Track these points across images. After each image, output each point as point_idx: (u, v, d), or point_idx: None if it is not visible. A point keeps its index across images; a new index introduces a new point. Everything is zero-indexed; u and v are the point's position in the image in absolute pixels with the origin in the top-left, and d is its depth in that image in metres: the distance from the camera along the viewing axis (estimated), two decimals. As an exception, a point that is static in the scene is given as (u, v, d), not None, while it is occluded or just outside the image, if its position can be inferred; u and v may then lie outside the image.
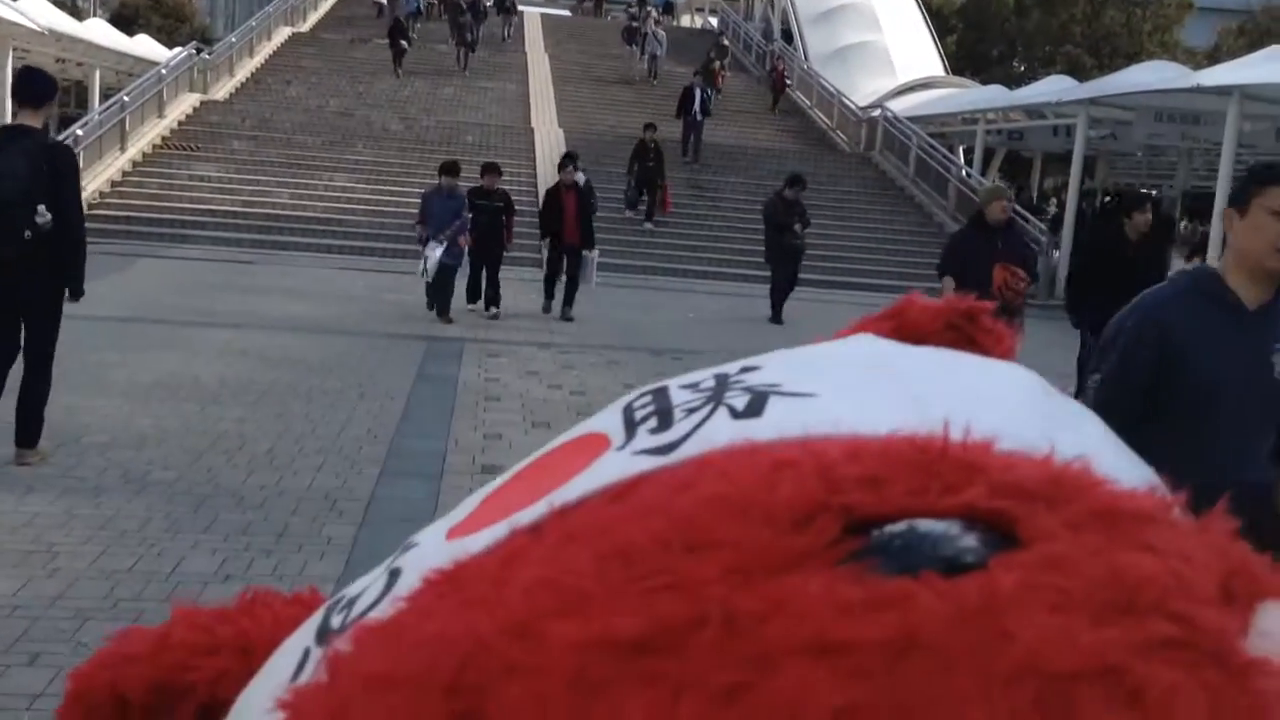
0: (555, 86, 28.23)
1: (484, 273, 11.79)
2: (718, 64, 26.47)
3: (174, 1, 49.44)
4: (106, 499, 5.12)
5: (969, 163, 24.20)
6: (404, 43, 27.94)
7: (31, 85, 5.50)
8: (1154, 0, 38.51)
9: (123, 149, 18.72)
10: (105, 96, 22.88)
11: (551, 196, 12.06)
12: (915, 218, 21.61)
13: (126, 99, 19.31)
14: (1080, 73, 30.88)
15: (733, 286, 16.67)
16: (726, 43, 28.73)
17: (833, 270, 18.19)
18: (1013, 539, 0.36)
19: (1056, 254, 19.16)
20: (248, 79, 25.80)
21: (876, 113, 25.60)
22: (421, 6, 32.89)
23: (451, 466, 6.10)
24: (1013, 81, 32.67)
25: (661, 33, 29.29)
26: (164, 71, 21.30)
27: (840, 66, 30.44)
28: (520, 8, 39.25)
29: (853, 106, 26.87)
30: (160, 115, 20.52)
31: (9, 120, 5.90)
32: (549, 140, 23.08)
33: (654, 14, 35.83)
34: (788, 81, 28.23)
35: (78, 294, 5.53)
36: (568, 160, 12.28)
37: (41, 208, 5.15)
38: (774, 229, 13.10)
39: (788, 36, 34.98)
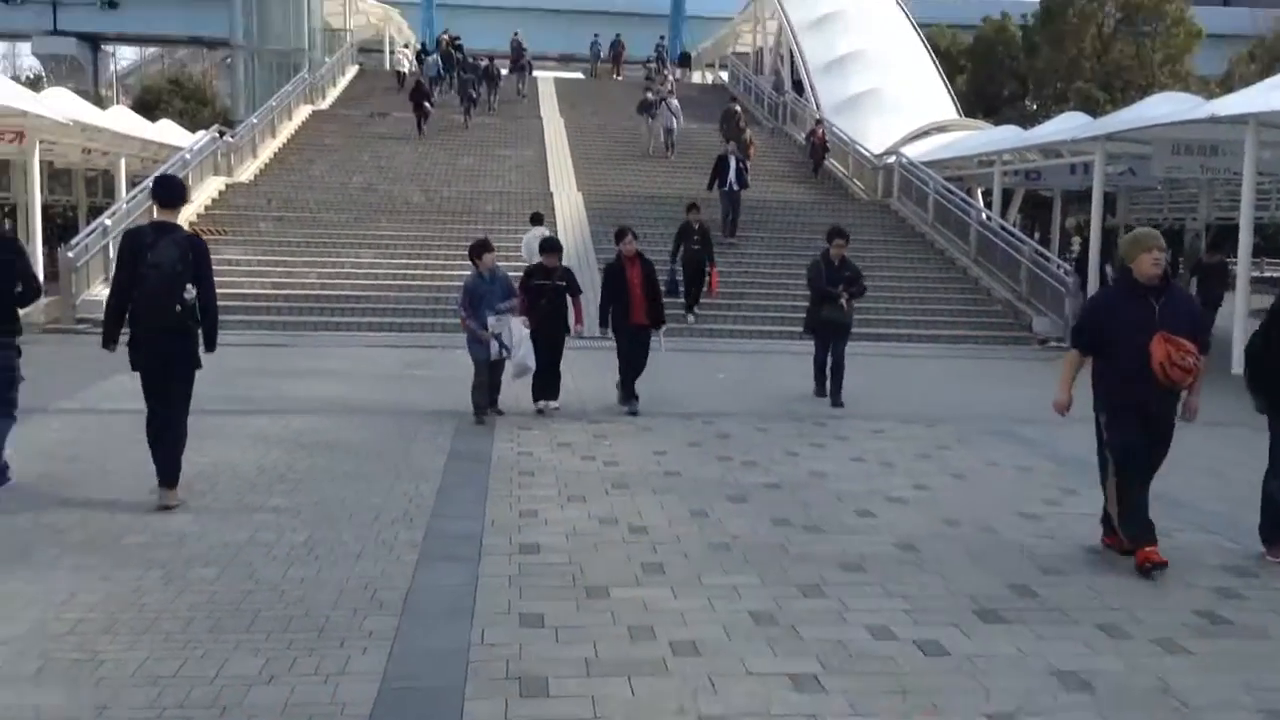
0: (572, 150, 28.57)
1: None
2: (749, 133, 26.10)
3: (195, 84, 50.54)
4: (149, 600, 5.14)
5: (988, 204, 24.20)
6: (427, 104, 29.59)
7: (168, 190, 6.87)
8: (1163, 30, 38.58)
9: (151, 236, 19.00)
10: (132, 184, 23.31)
11: (613, 273, 10.55)
12: (938, 263, 21.61)
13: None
14: (1094, 108, 30.93)
15: (759, 344, 16.70)
16: (739, 109, 27.90)
17: (856, 321, 18.15)
18: None
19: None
20: (271, 159, 26.27)
21: (891, 159, 25.73)
22: (441, 72, 34.06)
23: (489, 548, 6.09)
24: (1026, 120, 32.74)
25: (676, 102, 28.89)
26: (188, 156, 21.73)
27: (852, 114, 30.68)
28: (534, 73, 39.97)
29: (867, 154, 27.04)
30: (187, 201, 20.87)
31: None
32: (569, 204, 23.31)
33: (670, 77, 36.07)
34: (828, 148, 27.81)
35: (211, 347, 6.81)
36: (626, 231, 10.77)
37: (189, 285, 6.46)
38: (816, 296, 11.64)
39: (798, 87, 35.34)
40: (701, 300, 17.91)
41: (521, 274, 10.65)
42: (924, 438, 9.66)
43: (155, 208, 6.95)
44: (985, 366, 15.48)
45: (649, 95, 29.57)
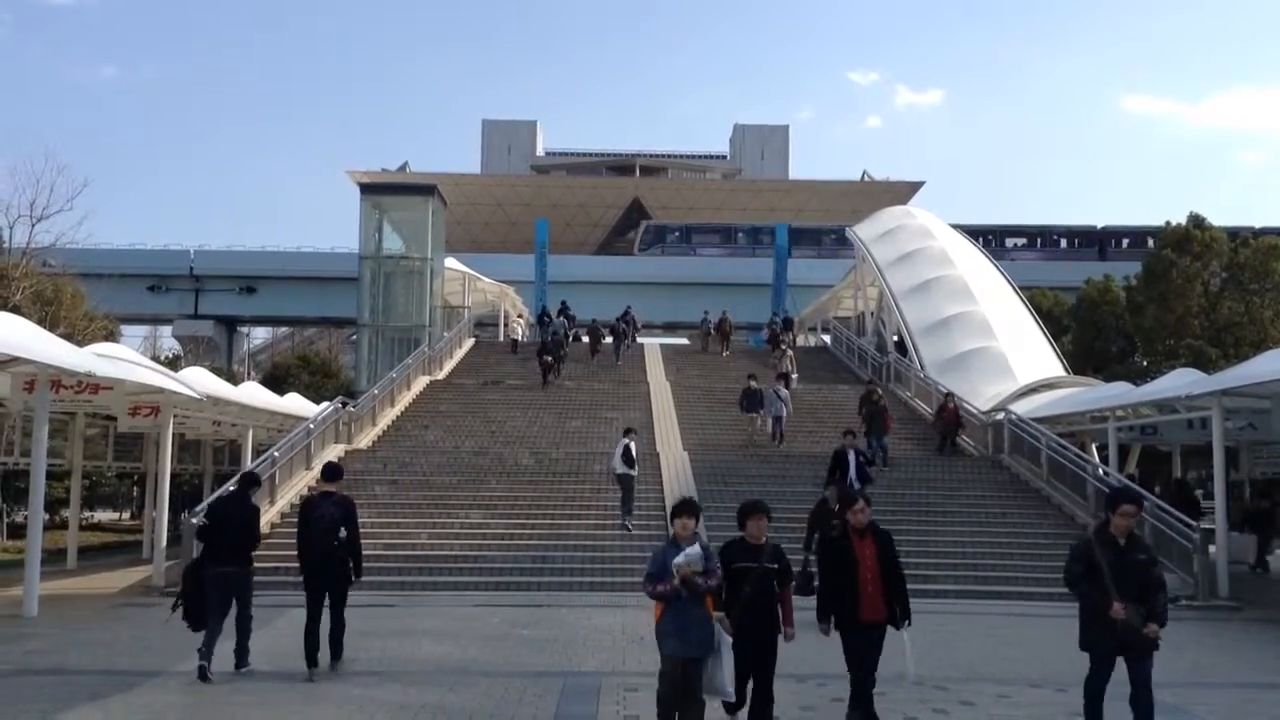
0: (678, 411, 29.02)
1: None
2: (883, 401, 24.45)
3: (321, 359, 53.43)
4: None
5: (1103, 460, 23.64)
6: (548, 358, 32.45)
7: (332, 471, 10.81)
8: (1271, 287, 38.40)
9: (272, 502, 19.66)
10: (257, 453, 24.31)
11: (836, 550, 7.90)
12: (1056, 519, 20.98)
13: (277, 454, 20.51)
14: (1205, 364, 30.52)
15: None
16: (880, 392, 25.52)
17: (973, 579, 17.61)
18: None
19: (1213, 549, 18.22)
20: (389, 427, 27.25)
21: (1000, 416, 25.53)
22: (565, 331, 36.44)
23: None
24: (1136, 376, 32.37)
25: (785, 392, 26.41)
26: (312, 426, 22.69)
27: (957, 373, 30.74)
28: (641, 339, 41.41)
29: (975, 411, 26.89)
30: (308, 467, 21.63)
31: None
32: (675, 462, 23.48)
33: (790, 354, 35.40)
34: (963, 424, 26.24)
35: (359, 575, 10.24)
36: (856, 498, 8.09)
37: (342, 530, 9.95)
38: (1090, 603, 7.11)
39: (900, 347, 35.77)
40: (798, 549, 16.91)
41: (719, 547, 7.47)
42: (1055, 703, 9.09)
43: (322, 481, 10.80)
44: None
45: (752, 384, 26.50)
